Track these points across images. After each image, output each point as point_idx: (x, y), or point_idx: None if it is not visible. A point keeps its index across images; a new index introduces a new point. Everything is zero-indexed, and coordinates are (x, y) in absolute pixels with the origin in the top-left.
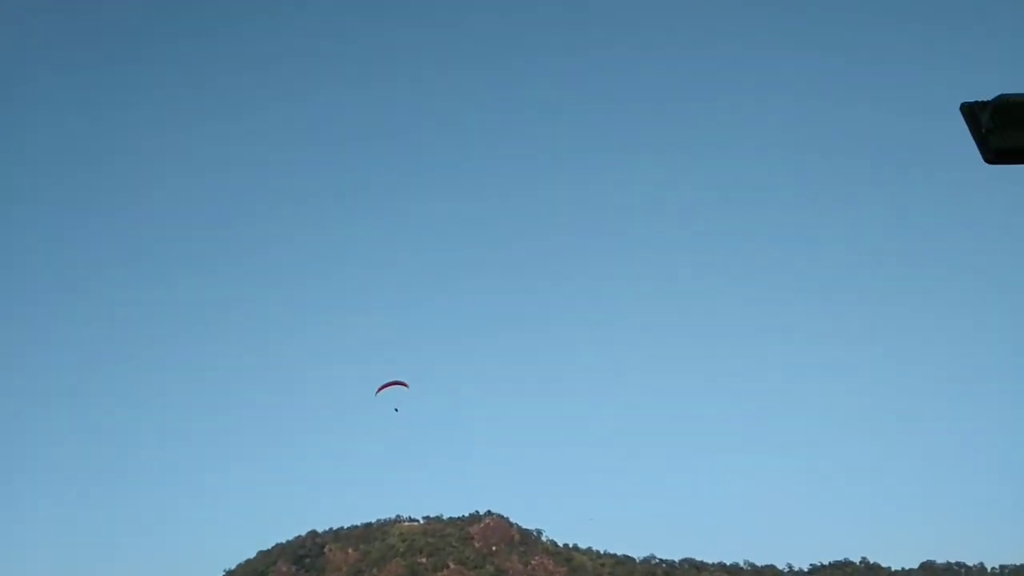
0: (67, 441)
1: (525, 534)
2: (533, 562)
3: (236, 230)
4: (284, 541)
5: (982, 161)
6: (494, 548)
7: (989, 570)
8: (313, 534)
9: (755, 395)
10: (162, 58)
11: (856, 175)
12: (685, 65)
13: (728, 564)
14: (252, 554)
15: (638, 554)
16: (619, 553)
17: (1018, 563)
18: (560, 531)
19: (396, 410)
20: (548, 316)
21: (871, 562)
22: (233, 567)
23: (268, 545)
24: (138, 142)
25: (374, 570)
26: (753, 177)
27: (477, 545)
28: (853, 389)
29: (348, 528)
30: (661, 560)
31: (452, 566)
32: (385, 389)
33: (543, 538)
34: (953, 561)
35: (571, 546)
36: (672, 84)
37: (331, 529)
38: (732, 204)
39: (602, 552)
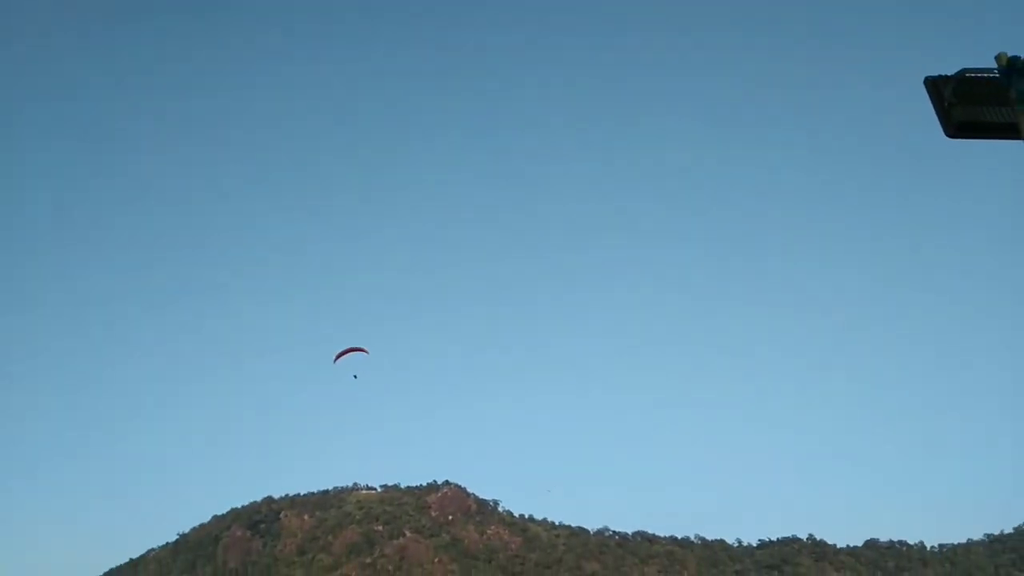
0: (15, 405)
1: (482, 504)
2: (489, 532)
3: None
4: (239, 506)
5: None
6: (451, 517)
7: (929, 549)
8: (269, 500)
9: (707, 370)
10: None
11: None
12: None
13: (679, 538)
14: (207, 518)
15: (592, 526)
16: (574, 525)
17: (956, 542)
18: (517, 502)
19: (355, 377)
20: (509, 286)
21: (818, 539)
22: (187, 530)
23: (223, 510)
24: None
25: (329, 537)
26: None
27: (434, 514)
28: (804, 366)
29: (304, 495)
30: (614, 532)
31: (408, 534)
32: (344, 356)
33: (499, 508)
34: (895, 540)
35: (527, 517)
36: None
37: (287, 495)
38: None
39: (557, 524)
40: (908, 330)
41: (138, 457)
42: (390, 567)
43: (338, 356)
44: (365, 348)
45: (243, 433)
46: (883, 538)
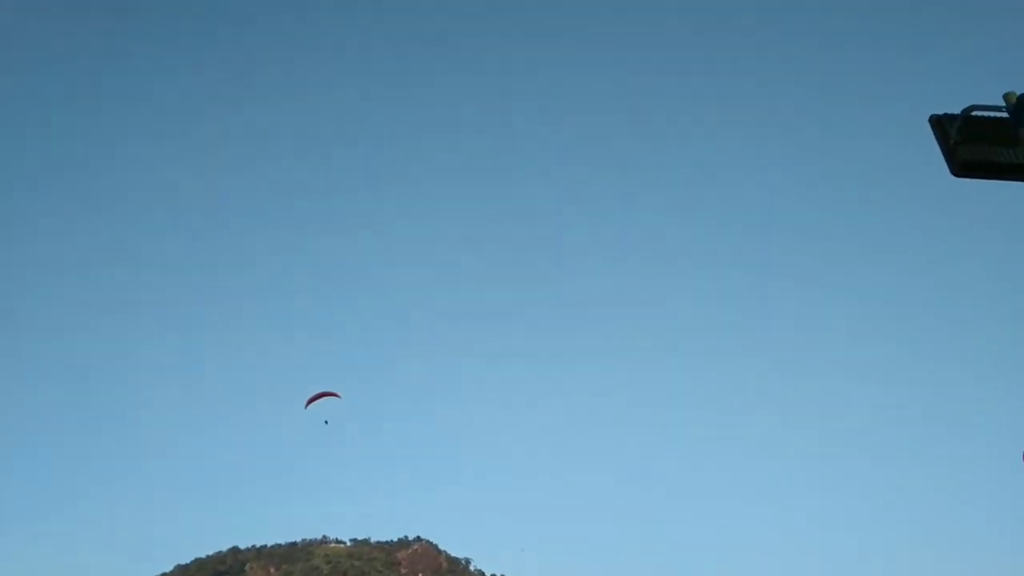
0: None
1: (453, 562)
2: None
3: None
4: (203, 555)
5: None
6: (420, 575)
7: None
8: (235, 550)
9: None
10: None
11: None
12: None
13: None
14: (169, 567)
15: None
16: None
17: None
18: (489, 561)
19: (326, 422)
20: (487, 335)
21: None
22: None
23: (187, 559)
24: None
25: None
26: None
27: (404, 572)
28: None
29: (272, 546)
30: None
31: None
32: (316, 401)
33: (471, 567)
34: None
35: None
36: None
37: (254, 546)
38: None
39: None
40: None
41: (97, 502)
42: None
43: (309, 401)
44: (337, 393)
45: (209, 480)
46: None
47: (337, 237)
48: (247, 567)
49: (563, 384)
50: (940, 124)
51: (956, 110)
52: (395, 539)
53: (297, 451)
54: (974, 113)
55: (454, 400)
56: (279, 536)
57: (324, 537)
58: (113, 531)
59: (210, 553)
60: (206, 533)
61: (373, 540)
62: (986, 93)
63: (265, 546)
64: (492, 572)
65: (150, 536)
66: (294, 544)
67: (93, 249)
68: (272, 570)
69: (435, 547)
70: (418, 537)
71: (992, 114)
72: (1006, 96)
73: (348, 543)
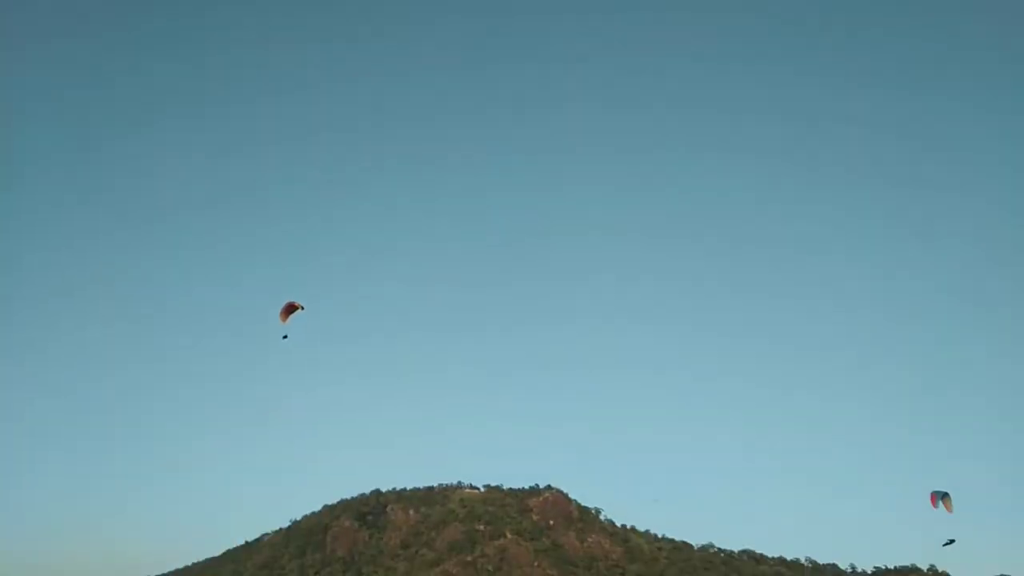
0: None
1: (584, 511)
2: (590, 540)
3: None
4: (349, 497)
5: None
6: (551, 522)
7: None
8: (377, 493)
9: (835, 393)
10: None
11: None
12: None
13: (788, 559)
14: (318, 507)
15: (696, 542)
16: (677, 539)
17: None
18: (619, 512)
19: (285, 337)
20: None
21: (940, 570)
22: (299, 518)
23: (333, 500)
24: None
25: (433, 533)
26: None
27: (535, 518)
28: (934, 400)
29: (411, 490)
30: (720, 549)
31: (509, 536)
32: (289, 315)
33: (601, 517)
34: None
35: (629, 527)
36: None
37: (395, 489)
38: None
39: (660, 536)
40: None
41: (257, 447)
42: (490, 567)
43: (283, 314)
44: (301, 304)
45: (355, 427)
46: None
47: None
48: (388, 509)
49: (694, 344)
50: None
51: None
52: (527, 487)
53: (433, 401)
54: None
55: (593, 358)
56: (418, 481)
57: (459, 483)
58: (269, 474)
59: (355, 495)
60: (351, 477)
61: (506, 487)
62: None
63: (405, 489)
64: (622, 523)
65: (301, 479)
66: (431, 489)
67: None
68: (411, 512)
69: (565, 496)
70: (549, 486)
71: None
72: None
73: (482, 489)
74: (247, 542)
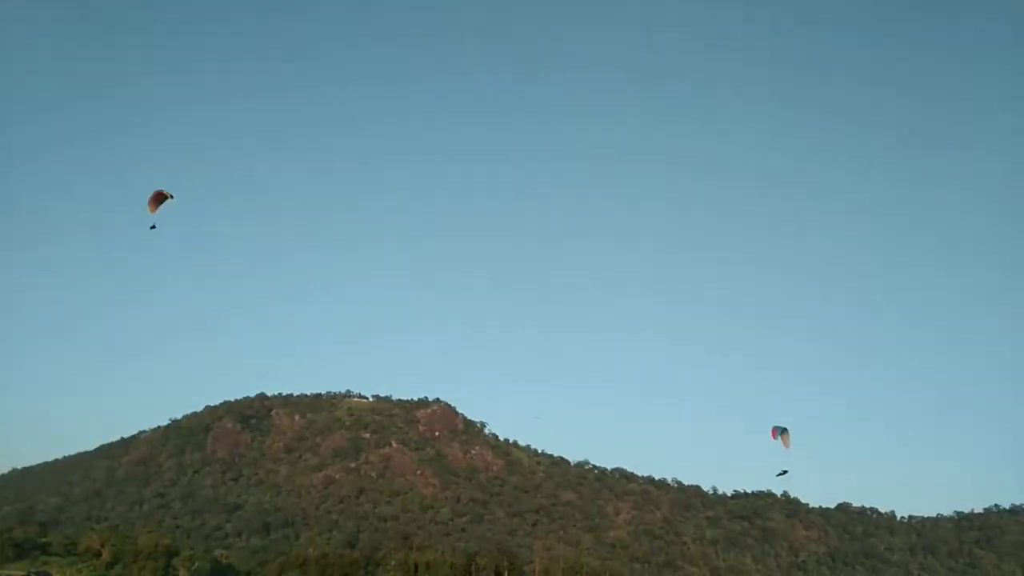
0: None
1: (469, 424)
2: (473, 452)
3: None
4: (232, 399)
5: None
6: (437, 434)
7: (899, 519)
8: (262, 397)
9: (709, 320)
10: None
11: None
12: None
13: (656, 479)
14: (199, 407)
15: (573, 458)
16: (555, 455)
17: (925, 516)
18: (503, 427)
19: (153, 227)
20: (529, 212)
21: (792, 497)
22: (179, 417)
23: (216, 401)
24: None
25: (318, 439)
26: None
27: (421, 429)
28: (801, 331)
29: (297, 396)
30: (594, 466)
31: (395, 445)
32: (160, 204)
33: (486, 431)
34: (868, 506)
35: (511, 442)
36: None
37: (280, 394)
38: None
39: (539, 451)
40: (905, 307)
41: (136, 340)
42: (373, 474)
43: (152, 205)
44: (170, 193)
45: (242, 328)
46: (856, 503)
47: None
48: (273, 413)
49: (591, 257)
50: None
51: None
52: (415, 399)
53: (327, 308)
54: None
55: (483, 269)
56: (305, 387)
57: (348, 391)
58: (147, 369)
59: (239, 397)
60: (235, 379)
61: (394, 398)
62: None
63: (291, 395)
64: (505, 437)
65: (182, 376)
66: (319, 396)
67: None
68: (297, 417)
69: (453, 409)
70: (437, 399)
71: None
72: None
73: (370, 399)
74: (123, 438)
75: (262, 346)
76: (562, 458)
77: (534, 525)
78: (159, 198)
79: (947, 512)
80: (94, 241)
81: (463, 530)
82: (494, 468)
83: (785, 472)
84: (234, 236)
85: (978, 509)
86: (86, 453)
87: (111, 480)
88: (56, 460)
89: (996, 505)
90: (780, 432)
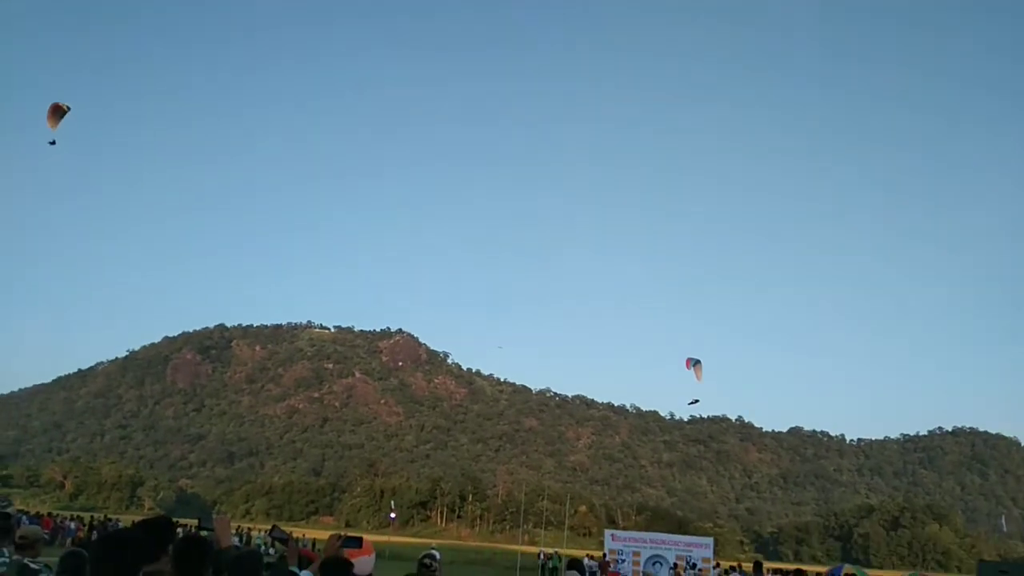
0: None
1: (432, 354)
2: (436, 381)
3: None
4: (191, 330)
5: None
6: (400, 364)
7: (848, 441)
8: (222, 327)
9: (664, 250)
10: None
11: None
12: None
13: (615, 405)
14: (157, 338)
15: (535, 386)
16: (518, 383)
17: (873, 438)
18: (465, 356)
19: (53, 143)
20: (492, 145)
21: (746, 421)
22: (136, 348)
23: (174, 332)
24: None
25: (280, 369)
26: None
27: (384, 359)
28: (758, 255)
29: (257, 326)
30: (555, 393)
31: (358, 375)
32: (58, 120)
33: (449, 360)
34: (819, 430)
35: (474, 371)
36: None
37: (240, 325)
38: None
39: (502, 380)
40: (857, 230)
41: (89, 269)
42: (337, 404)
43: (51, 119)
44: (68, 105)
45: (200, 257)
46: (807, 427)
47: None
48: (233, 344)
49: (553, 187)
50: None
51: None
52: (378, 329)
53: (288, 236)
54: None
55: (447, 199)
56: (265, 318)
57: (309, 322)
58: (103, 299)
59: (198, 328)
60: (194, 309)
61: (357, 328)
62: None
63: (252, 326)
64: (468, 366)
65: (139, 307)
66: (279, 326)
67: None
68: (258, 348)
69: (416, 339)
70: (400, 329)
71: None
72: None
73: (332, 329)
74: (80, 370)
75: (220, 276)
76: (524, 386)
77: (497, 451)
78: (57, 111)
79: (894, 435)
80: (47, 166)
81: (427, 456)
82: (457, 397)
83: (696, 401)
84: (194, 163)
85: (923, 432)
86: (43, 385)
87: (70, 412)
88: (12, 393)
89: (940, 427)
90: (694, 364)
